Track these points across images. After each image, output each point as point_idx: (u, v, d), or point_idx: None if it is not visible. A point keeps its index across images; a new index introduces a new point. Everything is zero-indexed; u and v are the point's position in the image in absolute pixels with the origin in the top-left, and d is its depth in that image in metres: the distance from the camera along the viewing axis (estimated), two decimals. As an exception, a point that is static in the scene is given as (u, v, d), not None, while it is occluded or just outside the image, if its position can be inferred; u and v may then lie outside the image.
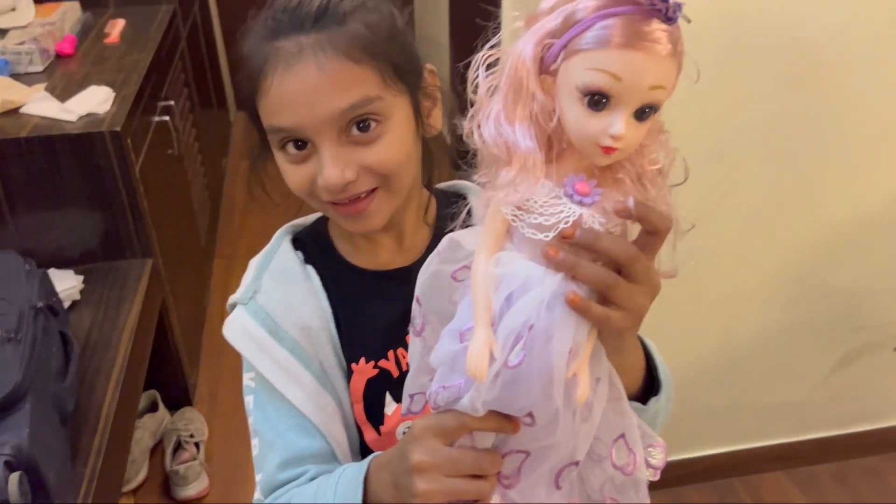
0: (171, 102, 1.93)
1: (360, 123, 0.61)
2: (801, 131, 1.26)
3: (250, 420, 0.73)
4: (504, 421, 0.51)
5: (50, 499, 0.97)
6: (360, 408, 0.72)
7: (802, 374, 1.55)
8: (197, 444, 1.69)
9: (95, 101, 1.52)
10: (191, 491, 1.62)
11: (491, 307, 0.49)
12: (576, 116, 0.47)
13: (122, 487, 1.50)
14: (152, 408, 1.77)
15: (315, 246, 0.75)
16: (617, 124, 0.46)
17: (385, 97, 0.62)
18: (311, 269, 0.73)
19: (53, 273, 1.47)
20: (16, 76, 1.66)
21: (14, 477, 0.89)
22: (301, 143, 0.62)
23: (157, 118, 1.80)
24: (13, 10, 1.91)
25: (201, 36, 2.78)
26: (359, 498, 0.60)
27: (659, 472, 0.58)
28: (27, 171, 1.44)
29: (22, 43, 1.70)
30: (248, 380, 0.74)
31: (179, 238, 1.99)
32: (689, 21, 0.46)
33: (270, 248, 0.76)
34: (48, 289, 1.24)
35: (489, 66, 0.51)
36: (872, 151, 1.30)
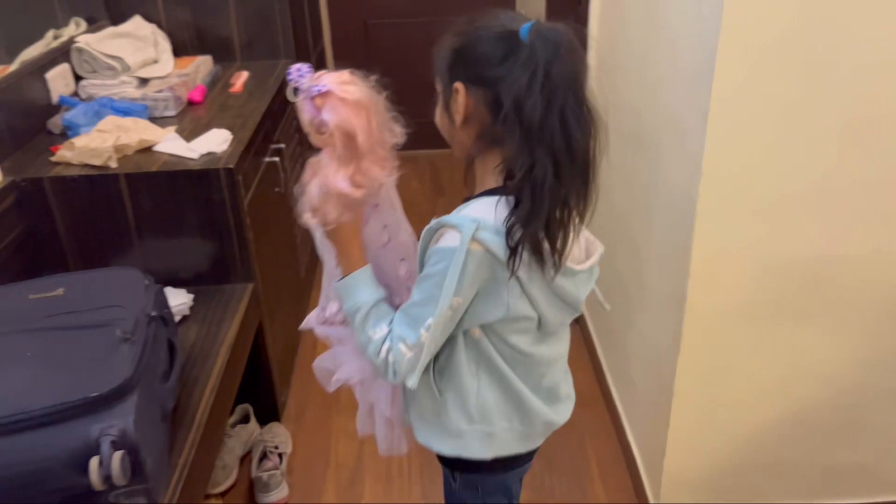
0: (282, 145, 2.15)
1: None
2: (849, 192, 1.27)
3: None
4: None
5: (146, 481, 1.12)
6: None
7: (874, 435, 1.52)
8: (280, 456, 1.84)
9: (216, 142, 1.74)
10: (272, 498, 1.76)
11: None
12: None
13: (208, 482, 1.66)
14: (245, 420, 1.93)
15: None
16: None
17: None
18: None
19: (169, 290, 1.68)
20: (153, 119, 1.92)
21: (117, 455, 1.04)
22: None
23: (267, 159, 2.01)
24: (156, 62, 2.20)
25: (316, 86, 3.03)
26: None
27: None
28: (155, 201, 1.66)
29: (160, 91, 1.96)
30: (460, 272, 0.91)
31: (280, 268, 2.18)
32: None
33: None
34: (162, 302, 1.43)
35: None
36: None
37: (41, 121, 1.85)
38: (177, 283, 1.73)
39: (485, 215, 0.89)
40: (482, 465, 1.08)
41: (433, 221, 0.93)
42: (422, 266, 0.95)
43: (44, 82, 1.88)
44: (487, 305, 0.94)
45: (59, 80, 1.93)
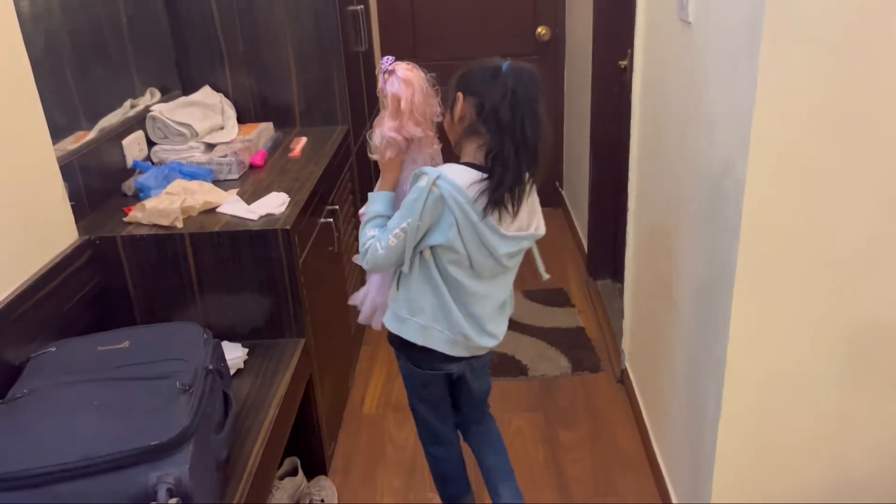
0: (336, 207, 2.25)
1: None
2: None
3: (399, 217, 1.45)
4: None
5: (198, 528, 1.18)
6: None
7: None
8: (326, 510, 1.88)
9: (274, 204, 1.84)
10: (315, 552, 1.79)
11: None
12: None
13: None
14: (293, 472, 1.98)
15: None
16: None
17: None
18: None
19: (226, 344, 1.76)
20: (217, 182, 2.05)
21: (173, 502, 1.11)
22: None
23: (322, 220, 2.11)
24: (222, 128, 2.35)
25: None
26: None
27: None
28: (216, 259, 1.76)
29: (224, 156, 2.09)
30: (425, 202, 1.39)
31: (331, 324, 2.26)
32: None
33: None
34: (219, 356, 1.51)
35: None
36: None
37: (117, 183, 2.00)
38: (234, 337, 1.82)
39: (451, 172, 1.37)
40: (415, 348, 1.53)
41: (418, 169, 1.39)
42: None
43: (120, 148, 2.03)
44: (434, 234, 1.40)
45: (133, 146, 2.09)
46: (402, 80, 1.38)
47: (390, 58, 1.42)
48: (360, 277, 2.75)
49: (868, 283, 1.30)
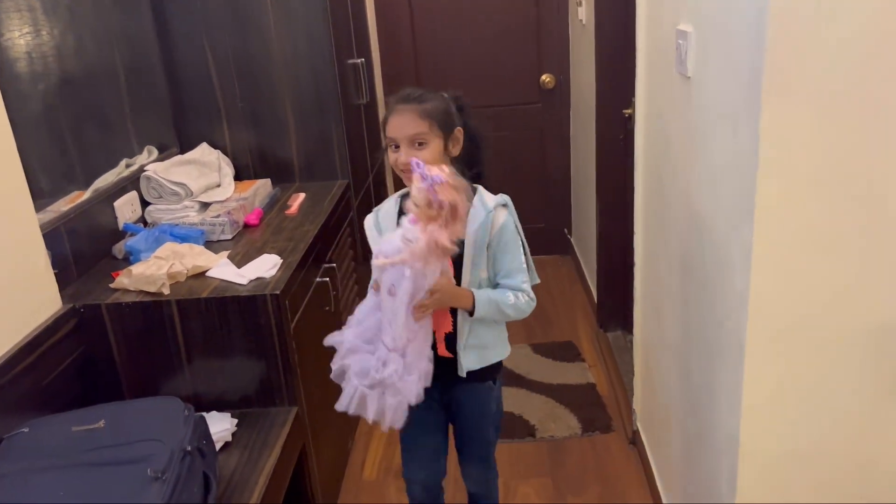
0: (334, 265, 2.19)
1: (418, 142, 1.48)
2: None
3: None
4: None
5: None
6: None
7: None
8: (319, 591, 1.77)
9: (265, 267, 1.78)
10: None
11: None
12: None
13: None
14: (286, 548, 1.88)
15: (403, 200, 1.57)
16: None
17: (429, 133, 1.48)
18: (396, 209, 1.59)
19: (213, 416, 1.69)
20: (210, 242, 2.00)
21: None
22: (396, 145, 1.49)
23: (318, 279, 2.04)
24: (219, 185, 2.31)
25: (373, 203, 3.12)
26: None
27: None
28: (204, 325, 1.70)
29: (218, 216, 2.05)
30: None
31: (329, 387, 2.17)
32: None
33: (393, 197, 1.64)
34: (201, 433, 1.43)
35: None
36: None
37: (108, 246, 1.95)
38: (223, 406, 1.75)
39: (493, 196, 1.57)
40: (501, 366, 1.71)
41: (491, 205, 1.53)
42: (487, 242, 1.52)
43: (112, 209, 2.00)
44: None
45: (126, 207, 2.05)
46: (452, 186, 1.33)
47: (420, 162, 1.36)
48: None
49: (889, 352, 1.21)
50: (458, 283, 1.52)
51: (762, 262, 1.15)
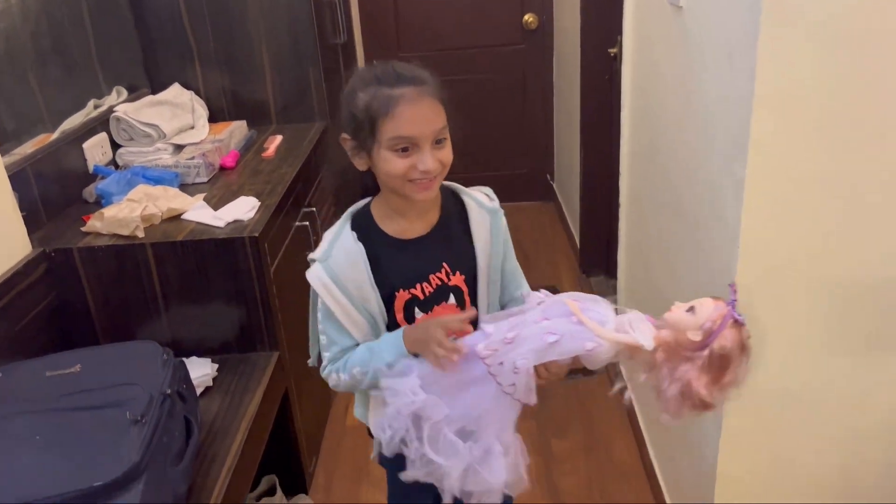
0: (313, 209, 2.13)
1: (439, 138, 1.09)
2: None
3: (319, 325, 1.24)
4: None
5: (153, 573, 1.08)
6: (400, 316, 1.19)
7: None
8: (304, 533, 1.77)
9: (243, 209, 1.73)
10: (294, 578, 1.69)
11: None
12: None
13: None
14: (270, 491, 1.88)
15: (365, 223, 1.18)
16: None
17: (446, 125, 1.10)
18: (360, 246, 1.15)
19: (193, 361, 1.66)
20: (184, 185, 1.93)
21: (120, 549, 1.00)
22: (405, 147, 1.06)
23: (297, 223, 1.99)
24: (192, 128, 2.23)
25: (353, 146, 3.05)
26: (401, 341, 1.11)
27: None
28: (180, 269, 1.65)
29: (192, 158, 1.98)
30: (319, 324, 1.23)
31: (308, 333, 2.14)
32: None
33: (339, 228, 1.19)
34: (181, 377, 1.39)
35: None
36: None
37: (78, 190, 1.88)
38: (203, 352, 1.71)
39: None
40: None
41: (494, 204, 1.23)
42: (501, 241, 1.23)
43: (81, 152, 1.92)
44: None
45: (96, 149, 1.97)
46: (739, 336, 0.97)
47: (735, 288, 0.99)
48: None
49: (878, 293, 1.20)
50: (470, 293, 1.22)
51: (755, 198, 1.13)
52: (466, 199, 1.22)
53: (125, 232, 1.63)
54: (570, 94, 3.11)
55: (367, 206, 1.21)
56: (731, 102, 1.17)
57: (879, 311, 1.21)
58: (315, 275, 1.17)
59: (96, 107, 2.09)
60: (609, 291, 2.86)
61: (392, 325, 1.19)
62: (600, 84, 2.69)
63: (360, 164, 1.13)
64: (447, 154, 1.10)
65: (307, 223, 2.05)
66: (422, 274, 1.18)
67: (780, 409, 1.30)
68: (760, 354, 1.24)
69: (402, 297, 1.17)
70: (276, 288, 1.73)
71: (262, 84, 2.44)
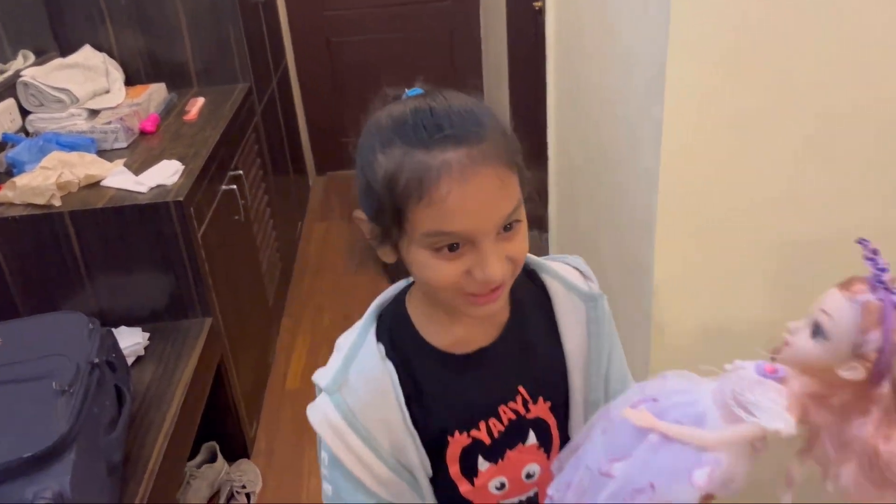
0: (240, 172, 2.09)
1: (510, 222, 0.68)
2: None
3: (323, 468, 0.80)
4: None
5: (91, 542, 1.06)
6: (455, 468, 0.80)
7: None
8: (248, 495, 1.77)
9: (165, 174, 1.68)
10: (240, 540, 1.69)
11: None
12: None
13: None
14: (212, 459, 1.86)
15: (399, 329, 0.80)
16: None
17: (521, 200, 0.70)
18: (390, 367, 0.77)
19: (123, 330, 1.62)
20: (101, 152, 1.86)
21: (53, 520, 0.98)
22: (455, 245, 0.67)
23: (224, 187, 1.95)
24: (108, 92, 2.14)
25: (279, 107, 2.99)
26: None
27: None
28: (103, 238, 1.59)
29: (109, 123, 1.90)
30: (323, 469, 0.80)
31: (244, 298, 2.12)
32: None
33: (358, 337, 0.79)
34: (109, 346, 1.36)
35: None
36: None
37: (-15, 159, 1.79)
38: (133, 322, 1.67)
39: None
40: None
41: (591, 287, 0.85)
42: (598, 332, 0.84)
43: (-13, 119, 1.82)
44: None
45: (3, 116, 1.87)
46: None
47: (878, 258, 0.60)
48: (277, 246, 2.61)
49: (790, 224, 1.25)
50: (560, 425, 0.83)
51: (671, 137, 1.16)
52: (549, 282, 0.83)
53: (40, 201, 1.56)
54: (498, 52, 3.10)
55: (401, 300, 0.82)
56: (647, 46, 1.20)
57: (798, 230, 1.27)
58: (319, 413, 0.76)
59: (1, 72, 1.98)
60: (542, 247, 2.90)
61: (442, 480, 0.80)
62: (527, 39, 2.70)
63: (386, 256, 0.73)
64: (521, 245, 0.70)
65: (234, 187, 2.00)
66: (488, 407, 0.79)
67: (703, 345, 1.36)
68: (683, 290, 1.29)
69: (458, 441, 0.79)
70: (205, 253, 1.70)
71: (179, 45, 2.35)
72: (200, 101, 2.21)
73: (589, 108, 1.67)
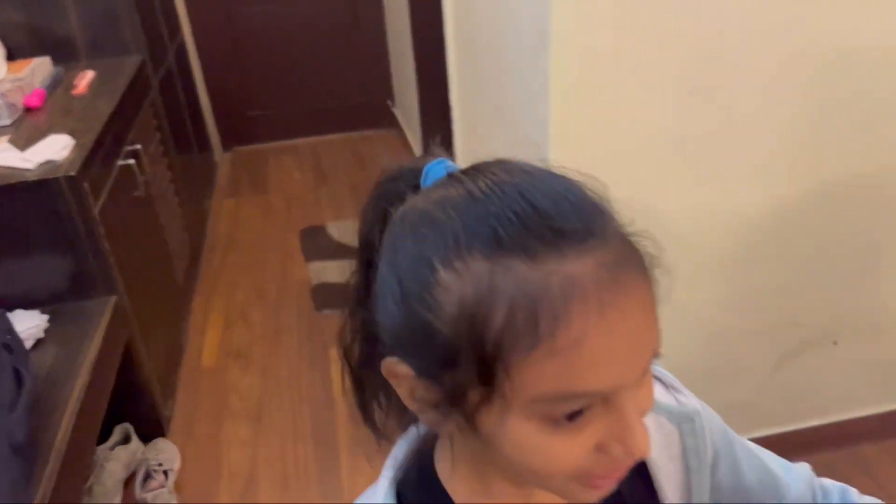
0: (138, 147, 2.02)
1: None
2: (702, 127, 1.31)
3: None
4: None
5: (-5, 524, 1.03)
6: None
7: (747, 374, 1.58)
8: (166, 473, 1.75)
9: (54, 149, 1.61)
10: (161, 519, 1.67)
11: None
12: None
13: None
14: (126, 440, 1.82)
15: (427, 498, 0.54)
16: None
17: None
18: None
19: (18, 313, 1.56)
20: (-16, 131, 1.76)
21: (-50, 502, 0.95)
22: (579, 411, 0.43)
23: (121, 162, 1.88)
24: (-13, 68, 2.02)
25: (178, 82, 2.89)
26: None
27: None
28: (-10, 218, 1.52)
29: (-11, 99, 1.80)
30: None
31: (151, 276, 2.07)
32: None
33: None
34: (5, 328, 1.31)
35: None
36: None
37: None
38: (31, 305, 1.61)
39: None
40: None
41: (687, 403, 0.62)
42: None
43: None
44: None
45: None
46: None
47: None
48: (184, 224, 2.54)
49: (681, 174, 1.32)
50: None
51: (559, 86, 1.20)
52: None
53: (-83, 183, 1.47)
54: (401, 14, 3.09)
55: (427, 464, 0.55)
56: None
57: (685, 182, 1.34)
58: None
59: None
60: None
61: None
62: (429, 4, 2.69)
63: (432, 422, 0.48)
64: (651, 391, 0.48)
65: (133, 161, 1.94)
66: None
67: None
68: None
69: None
70: (104, 230, 1.65)
71: (63, 16, 2.23)
72: (90, 74, 2.12)
73: (485, 62, 1.70)
